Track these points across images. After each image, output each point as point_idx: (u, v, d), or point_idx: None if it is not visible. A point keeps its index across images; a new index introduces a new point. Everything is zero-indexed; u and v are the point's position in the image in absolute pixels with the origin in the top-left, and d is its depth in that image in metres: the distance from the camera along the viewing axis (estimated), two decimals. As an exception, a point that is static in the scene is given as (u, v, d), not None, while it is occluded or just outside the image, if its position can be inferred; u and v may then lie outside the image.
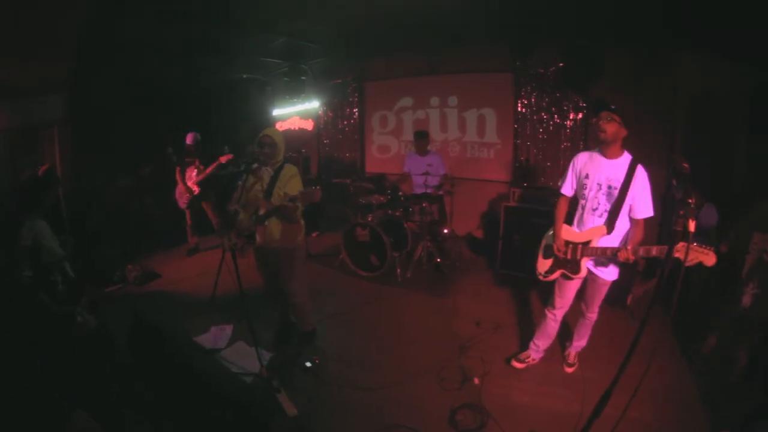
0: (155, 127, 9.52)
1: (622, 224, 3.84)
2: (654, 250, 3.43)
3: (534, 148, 8.49)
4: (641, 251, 3.52)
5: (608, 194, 3.83)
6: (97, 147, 8.79)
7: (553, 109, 8.17)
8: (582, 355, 4.72)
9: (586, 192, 3.97)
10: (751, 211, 4.77)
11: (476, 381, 4.45)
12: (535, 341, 4.69)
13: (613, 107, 3.70)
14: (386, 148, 10.36)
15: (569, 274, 4.14)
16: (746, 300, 4.51)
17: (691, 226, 2.10)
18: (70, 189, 8.08)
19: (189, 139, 8.16)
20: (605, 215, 3.86)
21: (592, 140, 7.66)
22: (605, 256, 3.88)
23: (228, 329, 5.42)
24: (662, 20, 6.22)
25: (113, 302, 6.25)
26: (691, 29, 6.27)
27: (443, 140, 9.21)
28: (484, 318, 5.77)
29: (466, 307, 6.20)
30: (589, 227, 3.98)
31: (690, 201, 2.12)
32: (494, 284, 7.01)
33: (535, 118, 8.38)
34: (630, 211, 3.78)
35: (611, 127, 3.69)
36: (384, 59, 9.81)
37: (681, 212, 2.16)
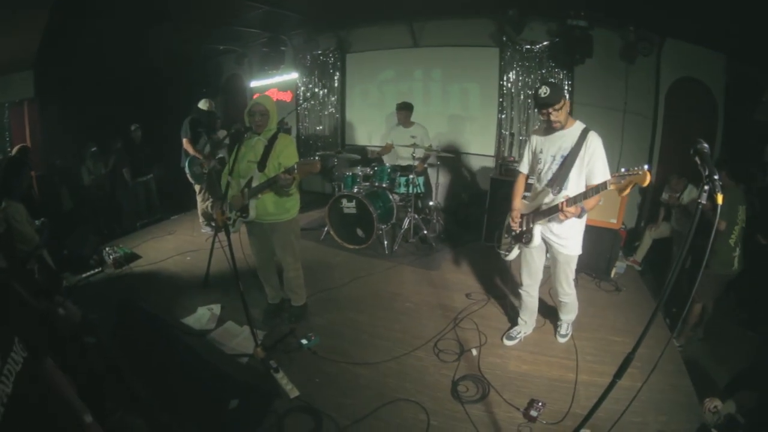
0: (124, 102, 9.37)
1: (574, 189, 3.86)
2: (590, 192, 3.53)
3: (519, 123, 8.59)
4: (575, 199, 3.62)
5: (560, 163, 3.92)
6: (68, 124, 8.62)
7: (539, 85, 8.14)
8: (573, 325, 4.84)
9: (541, 165, 4.09)
10: (732, 188, 5.09)
11: (473, 352, 4.53)
12: (522, 317, 4.79)
13: (553, 97, 3.70)
14: (368, 121, 10.30)
15: (524, 245, 4.25)
16: (736, 264, 5.11)
17: (719, 199, 2.16)
18: (43, 169, 7.90)
19: (203, 105, 7.69)
20: (553, 180, 3.95)
21: (576, 117, 7.78)
22: (551, 216, 3.92)
23: (216, 309, 5.24)
24: (650, 5, 6.31)
25: (93, 288, 5.96)
26: (674, 17, 6.41)
27: (427, 113, 9.11)
28: (474, 289, 5.90)
29: (455, 279, 6.29)
30: (539, 193, 4.10)
31: (715, 177, 2.19)
32: (481, 256, 7.06)
33: (520, 93, 8.47)
34: (587, 178, 3.83)
35: (562, 114, 3.79)
36: (366, 30, 9.68)
37: (707, 187, 2.22)
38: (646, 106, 7.76)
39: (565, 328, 4.77)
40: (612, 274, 6.33)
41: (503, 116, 8.68)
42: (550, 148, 3.97)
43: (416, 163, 7.28)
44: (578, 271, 5.04)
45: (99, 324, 4.10)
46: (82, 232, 6.82)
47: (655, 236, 6.90)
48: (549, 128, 3.96)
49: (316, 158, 4.03)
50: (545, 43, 7.98)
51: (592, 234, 5.72)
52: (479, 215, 7.79)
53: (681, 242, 5.51)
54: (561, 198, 3.81)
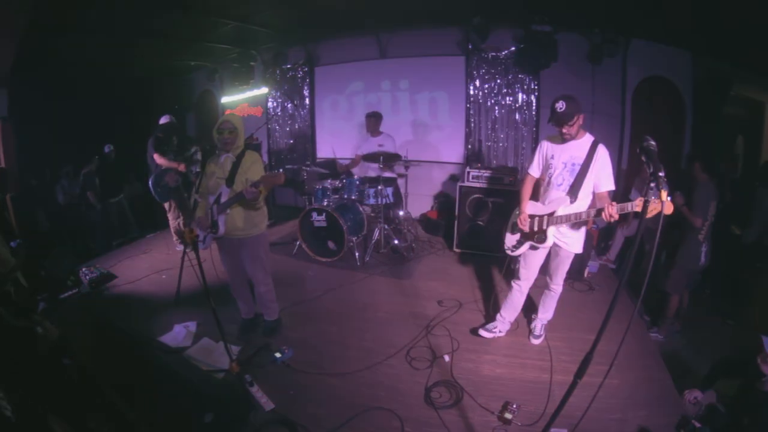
0: (97, 120, 9.31)
1: (585, 196, 4.09)
2: (618, 207, 3.56)
3: (486, 130, 8.63)
4: (611, 210, 3.61)
5: (572, 171, 4.09)
6: (42, 144, 8.53)
7: (506, 91, 8.32)
8: (547, 326, 4.87)
9: (552, 171, 4.23)
10: (704, 187, 5.17)
11: (446, 358, 4.51)
12: (502, 313, 4.82)
13: (568, 113, 3.90)
14: (338, 133, 10.28)
15: (536, 244, 4.33)
16: (703, 259, 5.21)
17: (663, 195, 2.20)
18: (18, 189, 7.79)
19: (165, 120, 7.70)
20: (568, 188, 4.10)
21: (544, 122, 7.84)
22: (569, 223, 4.08)
23: (192, 326, 5.22)
24: (613, 8, 6.40)
25: (70, 309, 5.89)
26: (638, 19, 6.51)
27: (395, 123, 9.17)
28: (446, 297, 5.88)
29: (426, 287, 6.26)
30: (554, 199, 4.19)
31: (660, 174, 2.23)
32: (452, 263, 7.14)
33: (487, 100, 8.52)
34: (594, 186, 4.05)
35: (574, 128, 4.00)
36: (334, 43, 9.73)
37: (652, 184, 2.26)
38: (613, 106, 7.84)
39: (539, 328, 4.80)
40: (585, 274, 6.38)
41: (471, 123, 8.74)
42: (562, 155, 4.17)
43: (386, 173, 7.28)
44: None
45: (76, 343, 4.06)
46: (58, 253, 6.73)
47: (627, 234, 6.95)
48: (561, 137, 4.15)
49: (280, 171, 4.04)
50: (511, 49, 8.06)
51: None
52: (449, 223, 7.85)
53: (652, 239, 5.64)
54: (579, 205, 4.06)
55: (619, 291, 2.48)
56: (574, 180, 4.07)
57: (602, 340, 2.49)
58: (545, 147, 4.35)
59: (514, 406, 3.71)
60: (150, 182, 7.40)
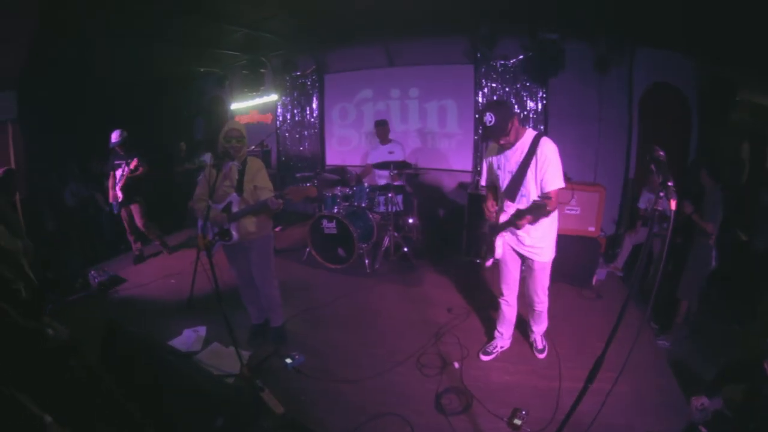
0: (107, 124, 9.40)
1: (529, 199, 3.85)
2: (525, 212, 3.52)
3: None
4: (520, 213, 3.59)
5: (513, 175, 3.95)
6: (51, 146, 8.60)
7: (514, 99, 8.33)
8: (555, 334, 4.88)
9: (500, 182, 4.07)
10: (711, 193, 5.23)
11: (456, 365, 4.54)
12: (499, 329, 4.77)
13: (500, 124, 3.66)
14: (347, 140, 10.35)
15: (489, 257, 4.32)
16: (714, 263, 5.29)
17: (673, 204, 2.23)
18: (27, 191, 7.87)
19: (114, 137, 7.47)
20: (508, 193, 4.00)
21: (552, 130, 7.87)
22: (510, 228, 3.98)
23: (202, 331, 5.25)
24: (618, 17, 6.44)
25: (78, 311, 5.96)
26: (644, 27, 6.54)
27: (404, 131, 9.28)
28: (455, 304, 5.90)
29: (436, 294, 6.29)
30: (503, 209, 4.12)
31: (670, 183, 2.26)
32: (461, 271, 7.11)
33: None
34: (541, 187, 3.81)
35: (511, 136, 3.76)
36: (344, 51, 9.78)
37: (662, 194, 2.29)
38: (620, 113, 7.84)
39: (540, 341, 4.75)
40: (593, 282, 6.38)
41: (480, 131, 8.71)
42: (507, 163, 3.96)
43: (397, 181, 7.29)
44: (558, 280, 5.09)
45: (85, 346, 4.10)
46: (66, 254, 6.79)
47: (635, 242, 6.95)
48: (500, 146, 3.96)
49: (310, 184, 4.08)
50: (519, 57, 8.10)
51: (571, 243, 5.81)
52: (458, 230, 7.87)
53: (662, 245, 5.68)
54: (512, 210, 3.84)
55: (629, 301, 2.51)
56: (510, 182, 3.92)
57: (611, 349, 2.54)
58: (489, 159, 4.17)
59: (523, 412, 3.73)
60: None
